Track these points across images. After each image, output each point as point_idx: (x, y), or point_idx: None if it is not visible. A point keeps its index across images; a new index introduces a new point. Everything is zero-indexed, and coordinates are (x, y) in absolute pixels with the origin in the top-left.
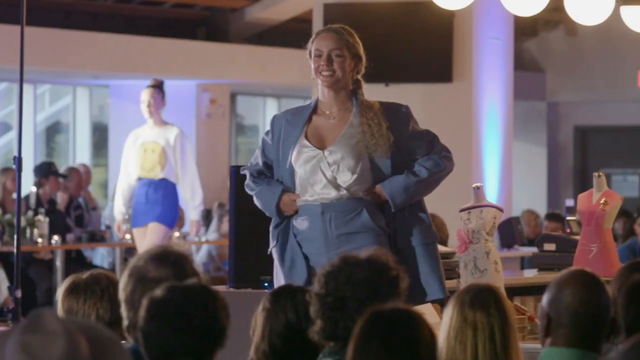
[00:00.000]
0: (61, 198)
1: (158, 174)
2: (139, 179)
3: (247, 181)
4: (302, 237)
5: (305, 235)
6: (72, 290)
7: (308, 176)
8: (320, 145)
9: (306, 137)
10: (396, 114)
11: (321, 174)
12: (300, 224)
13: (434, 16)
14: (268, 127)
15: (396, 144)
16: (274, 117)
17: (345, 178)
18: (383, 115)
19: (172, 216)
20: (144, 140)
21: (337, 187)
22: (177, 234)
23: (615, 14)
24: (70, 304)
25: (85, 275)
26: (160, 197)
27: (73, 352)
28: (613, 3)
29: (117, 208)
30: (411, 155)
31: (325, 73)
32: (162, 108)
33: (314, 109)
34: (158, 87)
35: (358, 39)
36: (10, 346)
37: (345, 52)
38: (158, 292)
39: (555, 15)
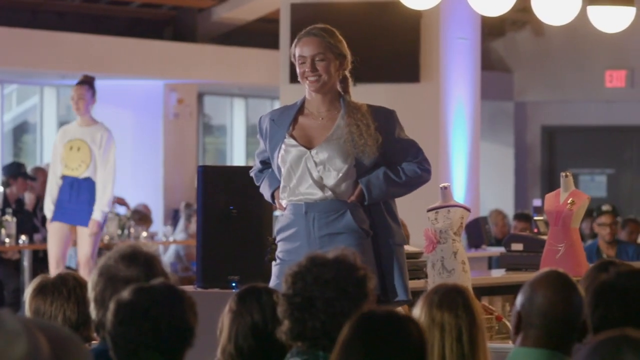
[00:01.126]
0: (29, 198)
1: (82, 173)
2: (63, 176)
3: (253, 173)
4: (282, 236)
5: (286, 235)
6: (39, 291)
7: (294, 175)
8: (307, 144)
9: (292, 137)
10: (384, 117)
11: (307, 174)
12: (282, 221)
13: (401, 16)
14: (236, 127)
15: (383, 146)
16: (260, 117)
17: (332, 178)
18: (371, 116)
19: (100, 216)
20: (70, 137)
21: (322, 187)
22: (144, 233)
23: (582, 14)
24: (37, 305)
25: (52, 276)
26: (86, 198)
27: (34, 351)
28: (580, 3)
29: (47, 207)
30: (394, 161)
31: (311, 78)
32: (92, 105)
33: (300, 109)
34: (88, 83)
35: (340, 37)
36: None
37: (328, 54)
38: (125, 294)
39: (522, 16)
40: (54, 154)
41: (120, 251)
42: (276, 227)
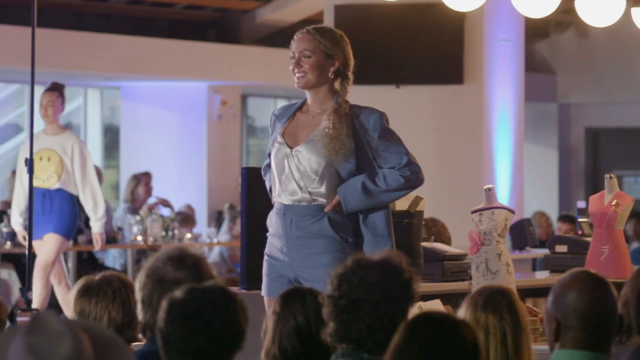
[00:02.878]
0: None
1: (54, 184)
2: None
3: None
4: (269, 234)
5: (271, 233)
6: (84, 292)
7: (279, 174)
8: (293, 143)
9: (283, 135)
10: (365, 120)
11: (290, 174)
12: (270, 218)
13: (445, 18)
14: None
15: (360, 151)
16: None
17: (309, 180)
18: (348, 120)
19: (68, 227)
20: (39, 147)
21: (301, 188)
22: (188, 235)
23: (626, 15)
24: (82, 306)
25: (97, 277)
26: (57, 208)
27: (79, 352)
28: (624, 5)
29: (14, 219)
30: (378, 164)
31: (297, 75)
32: (61, 113)
33: (301, 106)
34: (58, 90)
35: (338, 39)
36: (15, 348)
37: (317, 52)
38: (178, 293)
39: (566, 17)
40: (19, 164)
41: (168, 253)
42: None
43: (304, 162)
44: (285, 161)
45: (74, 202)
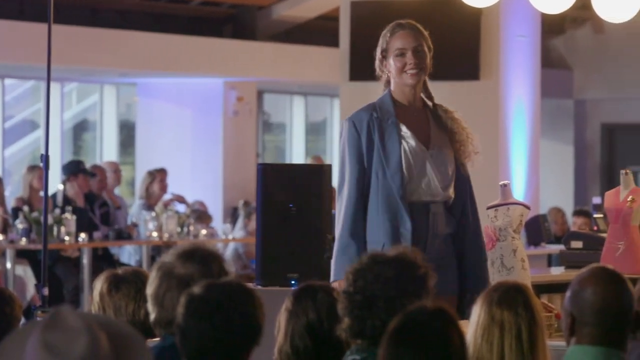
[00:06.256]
0: (75, 194)
1: None
2: None
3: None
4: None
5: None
6: (114, 285)
7: (416, 174)
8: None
9: (411, 135)
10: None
11: (430, 174)
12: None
13: (461, 13)
14: (295, 125)
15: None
16: (353, 119)
17: (445, 180)
18: (459, 122)
19: None
20: None
21: (442, 188)
22: (204, 231)
23: None
24: (114, 300)
25: (121, 271)
26: None
27: (95, 348)
28: None
29: None
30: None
31: (412, 71)
32: None
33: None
34: None
35: (427, 34)
36: (32, 344)
37: (425, 47)
38: (196, 289)
39: (582, 13)
40: None
41: (180, 249)
42: None
43: (440, 164)
44: (425, 162)
45: None
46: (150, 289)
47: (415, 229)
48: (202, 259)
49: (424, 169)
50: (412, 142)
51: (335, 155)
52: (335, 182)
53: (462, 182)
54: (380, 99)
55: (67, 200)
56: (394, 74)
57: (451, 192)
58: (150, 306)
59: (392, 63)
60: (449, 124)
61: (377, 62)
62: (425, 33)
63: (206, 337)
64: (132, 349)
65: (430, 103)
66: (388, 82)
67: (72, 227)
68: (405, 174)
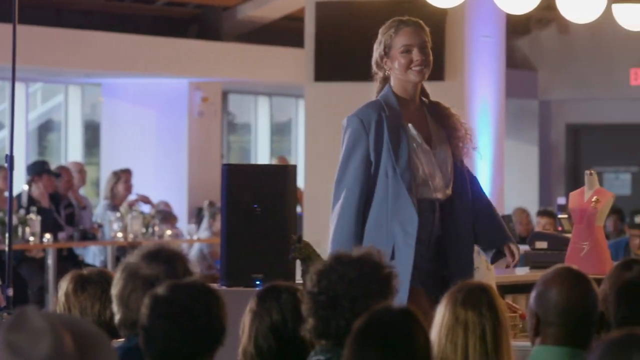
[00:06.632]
0: (40, 195)
1: None
2: None
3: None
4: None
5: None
6: (79, 286)
7: (427, 172)
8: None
9: (417, 134)
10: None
11: (439, 173)
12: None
13: (426, 14)
14: (260, 125)
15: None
16: (360, 117)
17: (447, 178)
18: (457, 118)
19: None
20: None
21: (445, 186)
22: (169, 232)
23: (607, 12)
24: (79, 301)
25: (87, 272)
26: None
27: (59, 348)
28: (605, 1)
29: None
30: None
31: (418, 68)
32: None
33: (396, 102)
34: None
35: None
36: None
37: (429, 43)
38: (160, 289)
39: (547, 14)
40: None
41: (145, 249)
42: None
43: (441, 163)
44: (432, 161)
45: None
46: (115, 290)
47: (421, 226)
48: (167, 259)
49: (430, 167)
50: (419, 140)
51: (300, 156)
52: (300, 183)
53: (465, 178)
54: (384, 96)
55: (31, 201)
56: (398, 70)
57: (450, 190)
58: (115, 307)
59: (396, 59)
60: (446, 121)
61: (375, 59)
62: (427, 29)
63: (170, 337)
64: (97, 348)
65: (426, 100)
66: (385, 80)
67: (37, 228)
68: (414, 172)
